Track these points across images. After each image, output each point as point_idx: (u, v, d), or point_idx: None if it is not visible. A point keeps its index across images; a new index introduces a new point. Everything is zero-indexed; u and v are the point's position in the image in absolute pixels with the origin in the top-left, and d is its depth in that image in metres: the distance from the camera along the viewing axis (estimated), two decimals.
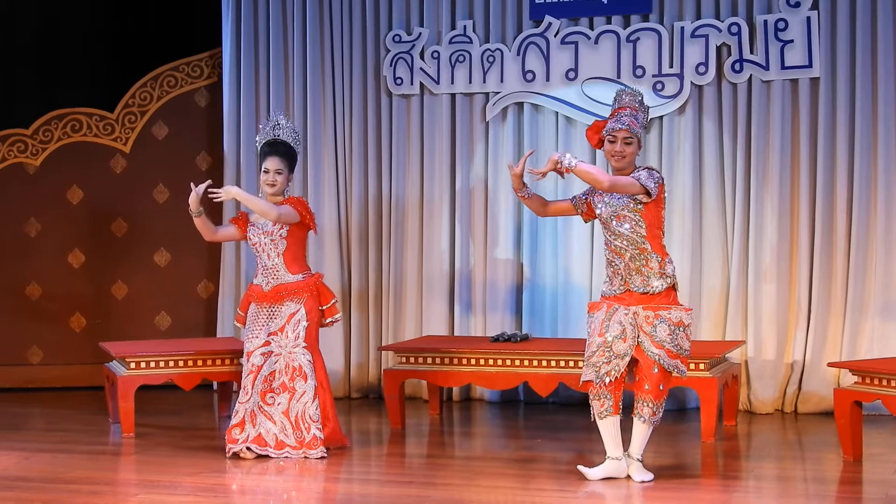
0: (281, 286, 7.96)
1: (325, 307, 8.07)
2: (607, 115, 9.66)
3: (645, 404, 7.02)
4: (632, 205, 7.04)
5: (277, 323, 7.94)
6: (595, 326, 7.13)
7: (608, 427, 7.11)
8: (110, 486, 7.19)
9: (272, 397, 7.89)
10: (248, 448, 7.82)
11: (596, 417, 7.12)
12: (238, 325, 8.28)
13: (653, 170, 7.09)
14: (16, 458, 7.89)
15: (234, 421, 7.91)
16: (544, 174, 7.04)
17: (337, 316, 8.16)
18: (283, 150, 8.05)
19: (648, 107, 7.37)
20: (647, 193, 6.99)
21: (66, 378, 10.91)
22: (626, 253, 7.08)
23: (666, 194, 7.21)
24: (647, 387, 7.02)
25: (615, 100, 7.32)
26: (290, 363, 7.91)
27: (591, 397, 7.13)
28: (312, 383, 7.91)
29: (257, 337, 7.96)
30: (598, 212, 7.21)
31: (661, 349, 6.99)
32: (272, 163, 8.03)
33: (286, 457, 7.82)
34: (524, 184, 7.27)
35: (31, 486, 7.11)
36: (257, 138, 8.27)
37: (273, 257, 7.99)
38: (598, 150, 9.71)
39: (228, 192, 7.93)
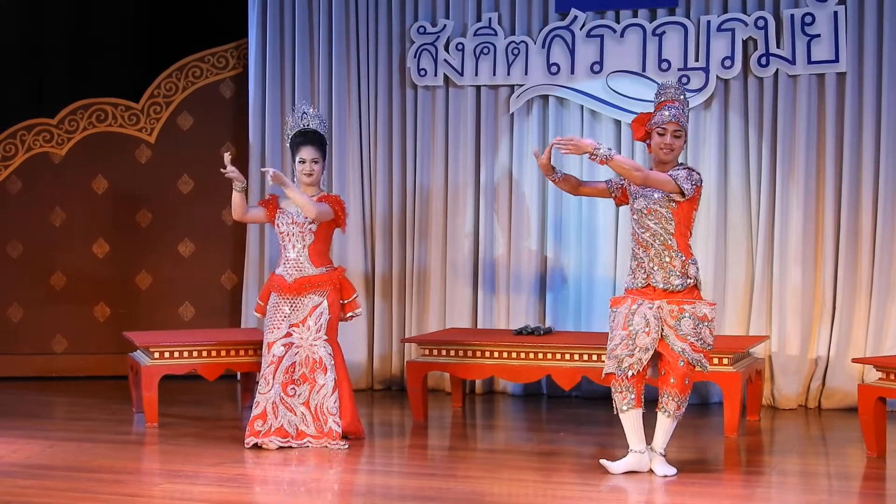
0: (304, 279, 7.97)
1: (346, 301, 8.09)
2: (633, 109, 9.76)
3: (670, 399, 7.01)
4: (665, 201, 7.02)
5: (299, 315, 7.96)
6: (619, 320, 7.12)
7: (631, 420, 7.10)
8: (134, 476, 7.21)
9: (293, 388, 7.91)
10: (269, 440, 7.86)
11: (618, 411, 7.11)
12: (258, 314, 8.29)
13: (693, 170, 7.06)
14: (39, 447, 7.92)
15: (255, 412, 7.93)
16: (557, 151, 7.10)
17: (357, 311, 8.18)
18: (315, 139, 8.09)
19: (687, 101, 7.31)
20: (681, 193, 6.97)
21: (89, 367, 10.97)
22: (651, 247, 7.07)
23: (701, 195, 7.18)
24: (672, 381, 7.00)
25: (660, 93, 7.26)
26: (310, 355, 7.93)
27: (613, 390, 7.12)
28: (332, 376, 7.92)
29: (279, 328, 7.97)
30: (632, 202, 7.19)
31: (686, 342, 6.97)
32: (307, 152, 8.06)
33: (307, 445, 7.85)
34: (553, 168, 7.34)
35: (54, 475, 7.14)
36: (287, 131, 8.28)
37: (298, 248, 8.01)
38: (627, 150, 9.81)
39: (278, 176, 7.83)
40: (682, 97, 7.21)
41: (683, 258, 7.06)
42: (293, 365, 7.94)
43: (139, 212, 11.10)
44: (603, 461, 7.17)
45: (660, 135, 7.13)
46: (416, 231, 10.35)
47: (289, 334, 7.96)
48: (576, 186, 7.44)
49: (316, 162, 8.05)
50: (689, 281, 7.04)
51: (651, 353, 7.02)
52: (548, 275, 10.05)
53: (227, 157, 8.11)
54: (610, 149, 6.93)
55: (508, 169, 10.13)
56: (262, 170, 8.18)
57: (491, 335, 9.16)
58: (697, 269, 7.11)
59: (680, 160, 7.26)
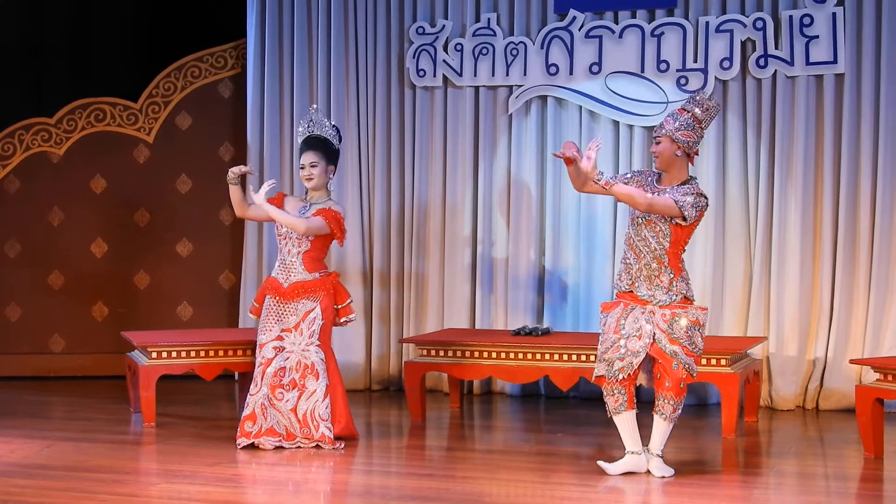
0: (298, 284, 7.96)
1: (340, 306, 8.08)
2: (631, 110, 9.77)
3: (666, 402, 7.01)
4: (666, 217, 7.01)
5: (292, 320, 7.95)
6: (610, 323, 7.12)
7: (624, 422, 7.10)
8: (131, 476, 7.21)
9: (281, 393, 7.90)
10: (265, 440, 7.86)
11: (611, 414, 7.12)
12: (252, 316, 8.29)
13: (701, 196, 7.03)
14: (37, 447, 7.92)
15: (245, 413, 7.93)
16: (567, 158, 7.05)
17: (351, 316, 8.16)
18: (316, 144, 8.06)
19: (709, 108, 7.13)
20: (683, 218, 6.96)
21: (87, 367, 10.96)
22: (643, 257, 7.06)
23: (705, 215, 7.17)
24: (668, 384, 7.00)
25: None
26: (302, 361, 7.91)
27: (604, 394, 7.13)
28: (324, 382, 7.91)
29: (270, 331, 7.97)
30: (632, 209, 7.18)
31: (678, 346, 6.97)
32: (306, 157, 8.05)
33: (298, 446, 7.85)
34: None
35: (52, 475, 7.14)
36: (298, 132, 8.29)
37: (293, 253, 8.00)
38: (626, 151, 9.81)
39: (261, 204, 7.87)
40: (683, 105, 7.16)
41: (672, 275, 7.04)
42: (283, 369, 7.92)
43: (137, 211, 11.10)
44: (600, 463, 7.18)
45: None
46: (415, 231, 10.34)
47: (280, 338, 7.95)
48: (584, 181, 7.32)
49: (314, 165, 8.03)
50: (674, 297, 7.02)
51: (642, 357, 7.01)
52: (546, 275, 10.05)
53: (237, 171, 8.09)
54: (611, 178, 6.98)
55: (507, 169, 10.12)
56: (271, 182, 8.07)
57: (489, 336, 9.16)
58: (688, 285, 7.08)
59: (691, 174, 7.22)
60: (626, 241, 7.20)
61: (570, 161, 7.07)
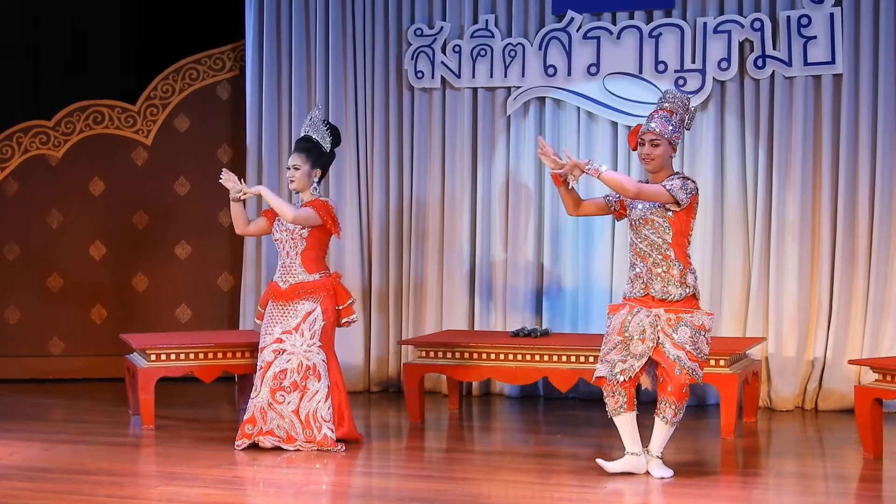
0: (298, 285, 7.96)
1: (341, 307, 8.07)
2: (629, 111, 9.77)
3: (667, 406, 7.00)
4: (661, 210, 7.01)
5: (292, 321, 7.94)
6: (614, 324, 7.11)
7: (624, 423, 7.10)
8: (130, 478, 7.21)
9: (282, 395, 7.89)
10: (265, 438, 7.86)
11: (611, 415, 7.12)
12: (258, 322, 8.28)
13: (688, 179, 7.04)
14: (37, 449, 7.92)
15: (245, 416, 7.95)
16: (563, 171, 7.02)
17: (353, 317, 8.14)
18: (302, 146, 8.08)
19: (692, 109, 7.24)
20: (676, 203, 6.96)
21: (86, 369, 10.96)
22: (648, 257, 7.06)
23: (698, 203, 7.16)
24: (670, 388, 6.99)
25: (657, 102, 7.29)
26: (303, 362, 7.90)
27: (605, 394, 7.13)
28: (325, 383, 7.90)
29: (270, 334, 7.96)
30: (629, 212, 7.18)
31: (682, 350, 6.96)
32: (290, 159, 8.10)
33: (297, 449, 7.84)
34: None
35: (52, 478, 7.14)
36: None
37: (292, 255, 8.00)
38: (624, 152, 9.81)
39: (258, 190, 7.98)
40: (668, 105, 7.17)
41: (681, 268, 7.04)
42: (284, 372, 7.91)
43: (136, 214, 11.10)
44: (599, 461, 7.18)
45: (640, 144, 7.15)
46: (413, 233, 10.34)
47: (280, 340, 7.94)
48: (577, 205, 7.33)
49: (296, 168, 8.03)
50: (687, 290, 7.02)
51: (644, 360, 7.01)
52: (544, 277, 10.04)
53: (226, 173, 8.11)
54: (599, 164, 6.95)
55: (505, 171, 10.12)
56: (241, 196, 8.06)
57: (488, 337, 9.16)
58: (696, 277, 7.10)
59: (676, 167, 7.24)
60: (630, 249, 7.19)
61: (560, 182, 7.09)
